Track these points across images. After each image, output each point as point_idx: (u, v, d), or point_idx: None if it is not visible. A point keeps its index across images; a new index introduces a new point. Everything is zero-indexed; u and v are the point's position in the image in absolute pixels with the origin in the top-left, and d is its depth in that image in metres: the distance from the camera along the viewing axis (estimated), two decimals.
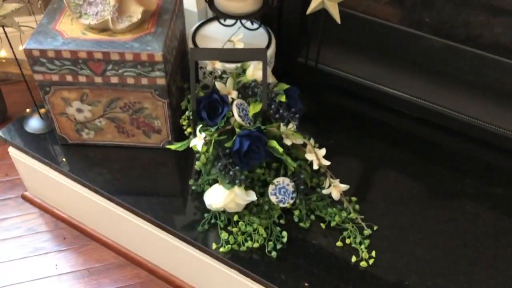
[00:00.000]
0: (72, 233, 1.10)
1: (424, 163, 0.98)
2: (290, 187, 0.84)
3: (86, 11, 0.84)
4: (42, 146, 0.99)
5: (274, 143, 0.81)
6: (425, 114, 1.05)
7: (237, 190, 0.80)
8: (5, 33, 0.88)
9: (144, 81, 0.85)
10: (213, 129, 0.82)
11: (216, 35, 1.03)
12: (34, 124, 1.02)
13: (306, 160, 0.85)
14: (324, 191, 0.85)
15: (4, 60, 1.15)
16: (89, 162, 0.96)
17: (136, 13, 0.84)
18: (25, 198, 1.15)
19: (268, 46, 1.01)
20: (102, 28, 0.84)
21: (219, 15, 0.95)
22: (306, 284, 0.78)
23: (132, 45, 0.82)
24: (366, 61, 1.10)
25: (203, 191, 0.87)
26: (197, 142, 0.78)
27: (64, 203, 1.09)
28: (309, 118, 1.03)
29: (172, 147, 0.83)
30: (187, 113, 0.90)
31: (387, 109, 1.08)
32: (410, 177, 0.95)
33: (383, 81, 1.06)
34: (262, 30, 1.04)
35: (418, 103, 1.04)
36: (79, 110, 0.91)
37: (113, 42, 0.82)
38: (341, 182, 0.85)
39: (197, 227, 0.85)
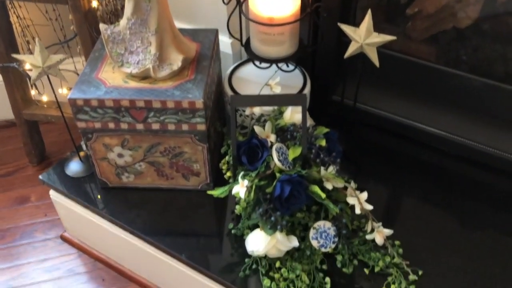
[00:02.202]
0: (110, 274, 1.10)
1: (467, 203, 0.96)
2: (332, 231, 0.83)
3: (128, 60, 0.86)
4: (82, 189, 1.00)
5: (316, 188, 0.80)
6: (465, 152, 1.04)
7: (279, 236, 0.79)
8: (50, 81, 0.90)
9: (185, 127, 0.86)
10: (253, 174, 0.82)
11: (251, 77, 1.04)
12: (74, 167, 1.04)
13: (347, 203, 0.84)
14: (368, 237, 0.83)
15: (45, 105, 1.19)
16: (128, 205, 0.97)
17: (176, 61, 0.86)
18: (64, 238, 1.16)
19: (304, 86, 1.01)
20: (144, 76, 0.86)
21: (255, 59, 0.96)
22: None
23: (173, 92, 0.83)
24: (403, 100, 1.09)
25: (242, 235, 0.87)
26: (240, 189, 0.78)
27: (102, 244, 1.10)
28: (347, 158, 1.02)
29: (214, 193, 0.84)
30: (226, 158, 0.90)
31: (426, 147, 1.07)
32: (455, 218, 0.93)
33: (421, 119, 1.05)
34: (297, 71, 1.05)
35: (457, 140, 1.03)
36: (120, 155, 0.92)
37: (155, 90, 0.84)
38: (383, 224, 0.84)
39: (236, 271, 0.84)
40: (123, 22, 0.86)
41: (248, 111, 0.91)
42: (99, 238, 1.08)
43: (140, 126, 0.87)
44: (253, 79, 1.03)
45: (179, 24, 0.99)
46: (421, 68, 1.02)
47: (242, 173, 0.80)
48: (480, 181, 1.01)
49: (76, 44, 1.18)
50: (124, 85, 0.85)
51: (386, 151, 1.08)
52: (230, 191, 0.82)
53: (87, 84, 0.85)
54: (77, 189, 1.01)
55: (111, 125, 0.87)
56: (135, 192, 0.99)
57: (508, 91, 0.95)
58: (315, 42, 1.03)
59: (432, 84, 1.03)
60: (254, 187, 0.80)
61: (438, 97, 1.04)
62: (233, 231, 0.90)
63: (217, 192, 0.83)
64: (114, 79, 0.87)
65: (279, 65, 0.98)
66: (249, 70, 1.06)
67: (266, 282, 0.81)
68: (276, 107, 0.93)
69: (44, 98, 1.18)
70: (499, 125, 1.02)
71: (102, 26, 0.86)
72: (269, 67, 0.99)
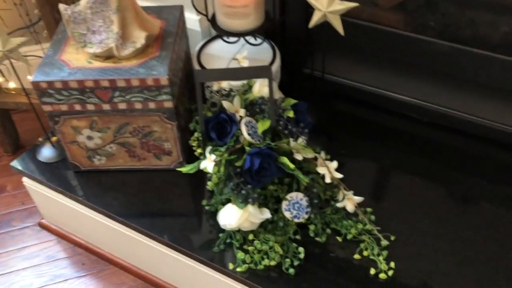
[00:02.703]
0: (90, 258, 1.10)
1: (438, 168, 0.97)
2: (304, 202, 0.83)
3: (90, 40, 0.85)
4: (56, 175, 1.00)
5: (284, 159, 0.80)
6: (436, 118, 1.04)
7: (251, 208, 0.79)
8: (12, 66, 0.89)
9: (152, 105, 0.85)
10: (223, 149, 0.81)
11: (220, 52, 1.04)
12: (47, 153, 1.03)
13: (319, 174, 0.85)
14: (338, 204, 0.84)
15: (13, 92, 1.17)
16: (103, 188, 0.96)
17: (139, 38, 0.84)
18: (42, 226, 1.16)
19: (273, 60, 1.01)
20: (107, 56, 0.85)
21: (222, 34, 0.96)
22: None
23: (137, 70, 0.82)
24: (372, 68, 1.09)
25: (216, 211, 0.87)
26: (208, 164, 0.78)
27: (80, 229, 1.09)
28: (319, 130, 1.02)
29: (183, 170, 0.83)
30: (196, 134, 0.90)
31: (397, 116, 1.07)
32: (425, 183, 0.94)
33: (391, 87, 1.06)
34: (266, 45, 1.04)
35: (428, 107, 1.03)
36: (90, 138, 0.91)
37: (119, 69, 0.83)
38: (355, 193, 0.84)
39: (213, 247, 0.85)
40: (83, 1, 0.84)
41: (216, 86, 0.91)
42: (76, 223, 1.07)
43: (107, 107, 0.86)
44: (222, 55, 1.03)
45: (143, 2, 0.98)
46: (390, 36, 1.01)
47: (209, 147, 0.80)
48: (452, 146, 1.02)
49: (42, 29, 1.16)
50: (88, 65, 0.84)
51: (358, 121, 1.08)
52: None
53: (50, 66, 0.84)
54: (50, 175, 1.00)
55: (78, 107, 0.86)
56: (109, 174, 0.98)
57: (477, 55, 0.95)
58: (282, 14, 1.02)
59: (401, 52, 1.03)
60: (224, 161, 0.80)
61: (408, 64, 1.05)
62: (207, 208, 0.90)
63: (186, 169, 0.83)
64: (77, 60, 0.85)
65: (247, 38, 0.98)
66: (218, 46, 1.05)
67: (240, 255, 0.82)
68: (245, 82, 0.92)
69: (12, 85, 1.16)
70: (470, 90, 1.03)
71: (61, 6, 0.84)
72: (236, 41, 0.98)
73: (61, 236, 1.14)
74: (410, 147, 1.02)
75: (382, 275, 0.80)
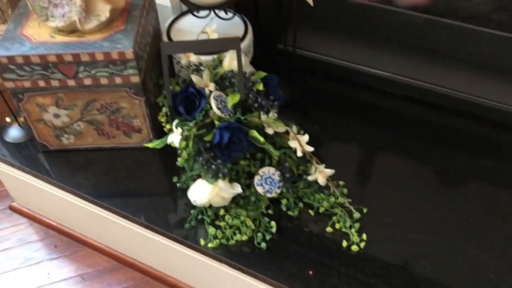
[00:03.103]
0: (63, 240, 1.09)
1: (411, 141, 0.97)
2: (276, 177, 0.82)
3: (53, 13, 0.82)
4: (24, 155, 0.97)
5: (254, 133, 0.79)
6: (409, 92, 1.04)
7: (221, 183, 0.78)
8: None
9: (118, 80, 0.83)
10: (191, 124, 0.80)
11: (191, 28, 1.01)
12: (14, 133, 1.00)
13: (291, 148, 0.84)
14: (310, 177, 0.83)
15: None
16: (73, 168, 0.94)
17: (104, 11, 0.82)
18: (13, 209, 1.14)
19: (245, 35, 0.99)
20: (71, 30, 0.82)
21: (190, 7, 0.93)
22: (303, 271, 0.77)
23: (101, 44, 0.80)
24: (344, 42, 1.08)
25: (188, 188, 0.85)
26: (175, 138, 0.77)
27: (52, 210, 1.07)
28: (293, 105, 1.01)
29: (150, 145, 0.82)
30: (164, 109, 0.88)
31: (370, 90, 1.07)
32: (398, 157, 0.94)
33: (363, 61, 1.05)
34: (237, 19, 1.02)
35: (402, 81, 1.03)
36: (56, 115, 0.89)
37: (82, 43, 0.80)
38: (328, 167, 0.84)
39: (185, 224, 0.84)
40: None
41: (184, 60, 0.89)
42: (48, 205, 1.05)
43: (71, 83, 0.83)
44: (192, 30, 1.00)
45: None
46: (362, 8, 1.00)
47: (176, 121, 0.78)
48: (426, 120, 1.02)
49: (7, 7, 1.12)
50: (51, 40, 0.81)
51: (331, 96, 1.07)
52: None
53: (11, 41, 0.81)
54: (18, 155, 0.97)
55: (41, 83, 0.83)
56: (79, 154, 0.96)
57: (450, 26, 0.95)
58: None
59: (374, 25, 1.02)
60: (192, 136, 0.78)
61: (381, 38, 1.04)
62: (178, 185, 0.88)
63: (154, 144, 0.81)
64: (40, 34, 0.82)
65: (217, 12, 0.95)
66: (189, 21, 1.03)
67: (211, 230, 0.81)
68: (215, 57, 0.90)
69: None
70: (444, 63, 1.02)
71: None
72: (207, 16, 0.96)
73: (33, 219, 1.12)
74: (383, 121, 1.01)
75: (354, 247, 0.79)
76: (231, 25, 1.01)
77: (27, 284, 1.02)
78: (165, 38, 0.99)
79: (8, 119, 1.02)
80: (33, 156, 0.97)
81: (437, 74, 1.02)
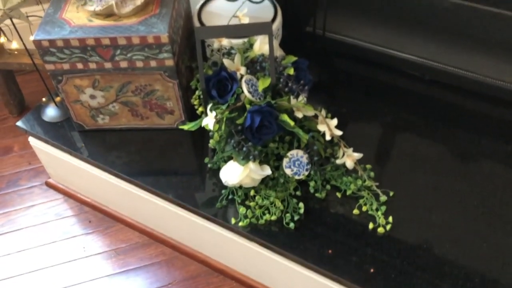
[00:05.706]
0: (97, 216, 1.13)
1: (438, 125, 0.98)
2: (304, 159, 0.84)
3: None
4: (60, 134, 1.01)
5: (285, 117, 0.81)
6: (437, 76, 1.04)
7: (252, 165, 0.81)
8: (14, 25, 0.89)
9: (153, 63, 0.85)
10: (224, 107, 0.82)
11: (221, 11, 1.03)
12: (51, 112, 1.04)
13: (319, 131, 0.86)
14: (338, 161, 0.85)
15: (16, 52, 1.17)
16: (107, 147, 0.98)
17: None
18: (49, 185, 1.19)
19: (274, 18, 1.00)
20: (108, 14, 0.85)
21: None
22: (329, 252, 0.80)
23: (138, 28, 0.82)
24: (373, 26, 1.08)
25: (219, 168, 0.88)
26: (209, 121, 0.79)
27: (86, 187, 1.12)
28: (321, 88, 1.02)
29: (185, 127, 0.84)
30: (197, 92, 0.90)
31: (398, 73, 1.07)
32: (425, 140, 0.95)
33: (393, 45, 1.05)
34: (267, 2, 1.03)
35: (429, 65, 1.03)
36: (92, 97, 0.92)
37: (119, 27, 0.83)
38: (355, 150, 0.85)
39: (216, 204, 0.87)
40: None
41: (216, 44, 0.91)
42: (83, 182, 1.10)
43: (108, 65, 0.86)
44: (223, 13, 1.02)
45: None
46: None
47: (211, 105, 0.81)
48: (452, 104, 1.02)
49: None
50: (89, 23, 0.84)
51: (359, 80, 1.08)
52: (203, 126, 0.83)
53: (51, 25, 0.84)
54: (55, 134, 1.01)
55: (80, 66, 0.86)
56: (113, 133, 1.00)
57: (480, 11, 0.94)
58: None
59: (404, 9, 1.02)
60: (225, 119, 0.81)
61: (410, 21, 1.03)
62: (209, 165, 0.91)
63: (188, 126, 0.84)
64: (78, 18, 0.85)
65: None
66: (219, 5, 1.04)
67: (242, 210, 0.84)
68: (246, 40, 0.92)
69: (14, 45, 1.16)
70: (472, 47, 1.02)
71: None
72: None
73: (68, 195, 1.17)
74: (410, 104, 1.02)
75: (380, 229, 0.81)
76: (261, 8, 1.02)
77: (64, 257, 1.07)
78: (196, 21, 1.00)
79: (44, 99, 1.06)
80: (69, 134, 1.01)
81: (465, 59, 1.02)
